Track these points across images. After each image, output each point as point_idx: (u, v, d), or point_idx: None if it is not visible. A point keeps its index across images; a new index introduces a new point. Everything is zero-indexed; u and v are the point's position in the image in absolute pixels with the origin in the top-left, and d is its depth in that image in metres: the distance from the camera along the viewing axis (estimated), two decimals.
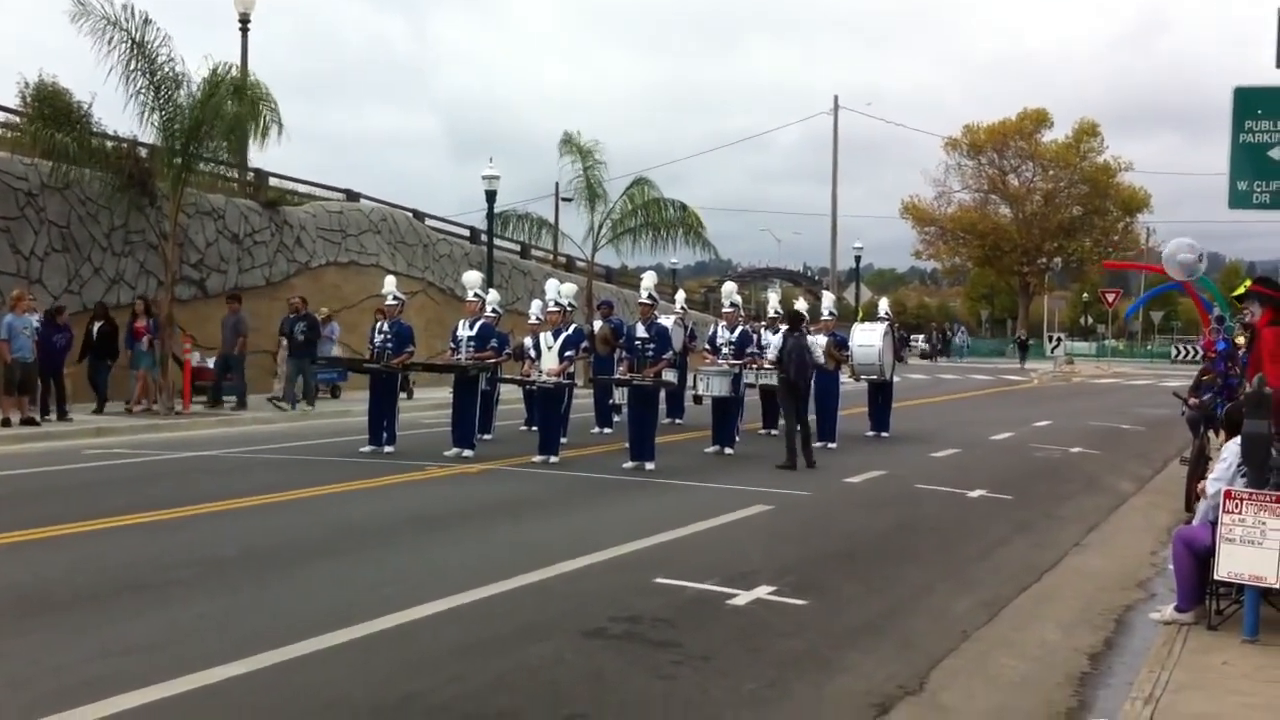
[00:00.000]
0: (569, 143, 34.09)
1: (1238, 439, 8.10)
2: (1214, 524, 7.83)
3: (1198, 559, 8.00)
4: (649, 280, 17.70)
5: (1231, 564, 7.65)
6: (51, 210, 22.23)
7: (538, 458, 15.86)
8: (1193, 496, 11.30)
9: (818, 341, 20.37)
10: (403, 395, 22.90)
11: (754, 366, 19.25)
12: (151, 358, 21.29)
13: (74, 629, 7.33)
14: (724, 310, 19.32)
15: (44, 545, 9.89)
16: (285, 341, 23.36)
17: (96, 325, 20.76)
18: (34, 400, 19.00)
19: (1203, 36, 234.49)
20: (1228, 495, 7.72)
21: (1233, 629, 7.79)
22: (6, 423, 18.23)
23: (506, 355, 18.21)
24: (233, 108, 21.29)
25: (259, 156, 27.03)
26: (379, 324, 17.59)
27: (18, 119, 22.98)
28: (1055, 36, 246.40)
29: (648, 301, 16.66)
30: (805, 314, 17.95)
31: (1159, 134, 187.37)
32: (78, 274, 22.67)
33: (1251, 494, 7.66)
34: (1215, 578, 7.80)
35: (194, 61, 21.28)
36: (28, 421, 18.48)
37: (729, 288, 20.40)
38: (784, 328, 17.61)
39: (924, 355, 67.58)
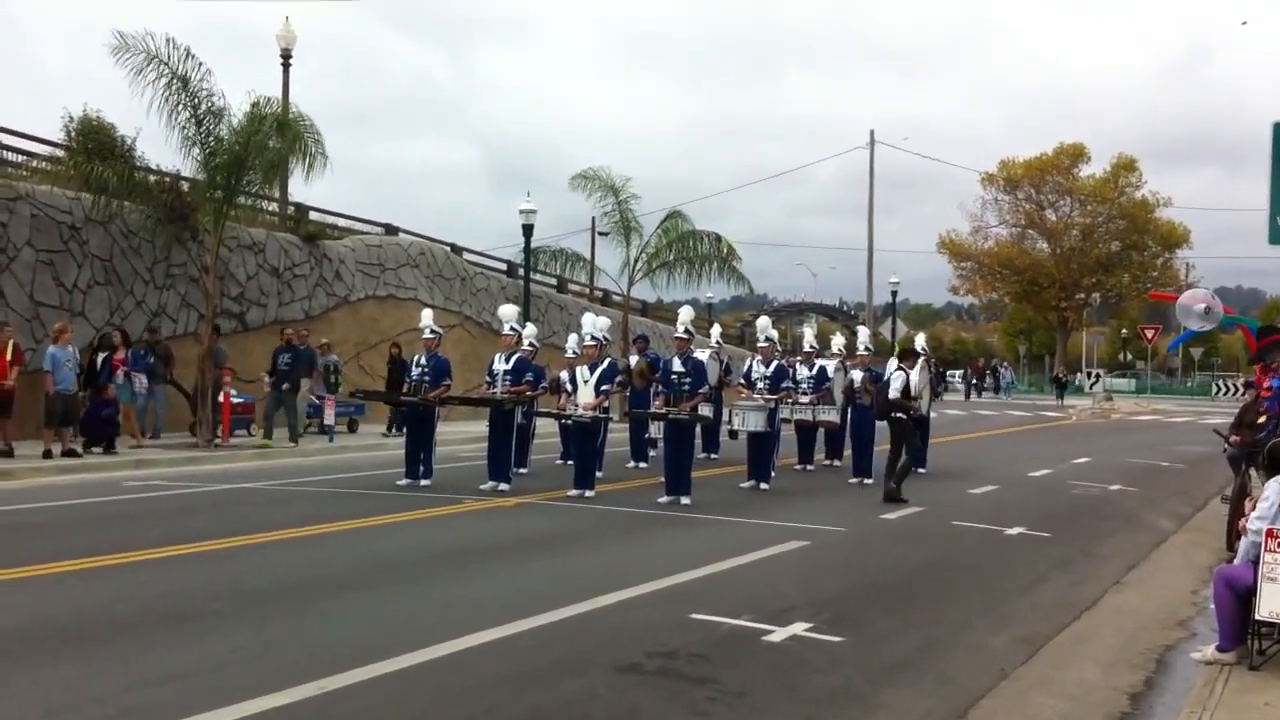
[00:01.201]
0: (588, 179, 34.09)
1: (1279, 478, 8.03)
2: (1256, 562, 7.75)
3: (1239, 598, 7.91)
4: (685, 314, 17.73)
5: (1273, 603, 7.56)
6: (94, 243, 22.51)
7: (573, 492, 15.87)
8: (1234, 535, 11.18)
9: (854, 376, 20.38)
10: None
11: (789, 401, 19.23)
12: (129, 390, 20.83)
13: (112, 659, 7.38)
14: (759, 345, 19.30)
15: (83, 575, 9.97)
16: (268, 377, 22.89)
17: (100, 356, 20.31)
18: (76, 432, 19.17)
19: (1248, 70, 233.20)
20: (1270, 534, 7.64)
21: (1275, 669, 7.69)
22: (48, 454, 18.40)
23: (542, 389, 18.24)
24: (275, 143, 21.48)
25: (300, 190, 27.33)
26: (416, 357, 17.65)
27: (62, 153, 23.30)
28: (1097, 69, 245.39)
29: (684, 336, 16.66)
30: (915, 350, 18.85)
31: (1203, 168, 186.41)
32: (120, 307, 22.92)
33: None
34: (1257, 617, 7.71)
35: (237, 95, 21.53)
36: (69, 453, 18.64)
37: (763, 322, 20.39)
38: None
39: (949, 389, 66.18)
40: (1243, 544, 8.28)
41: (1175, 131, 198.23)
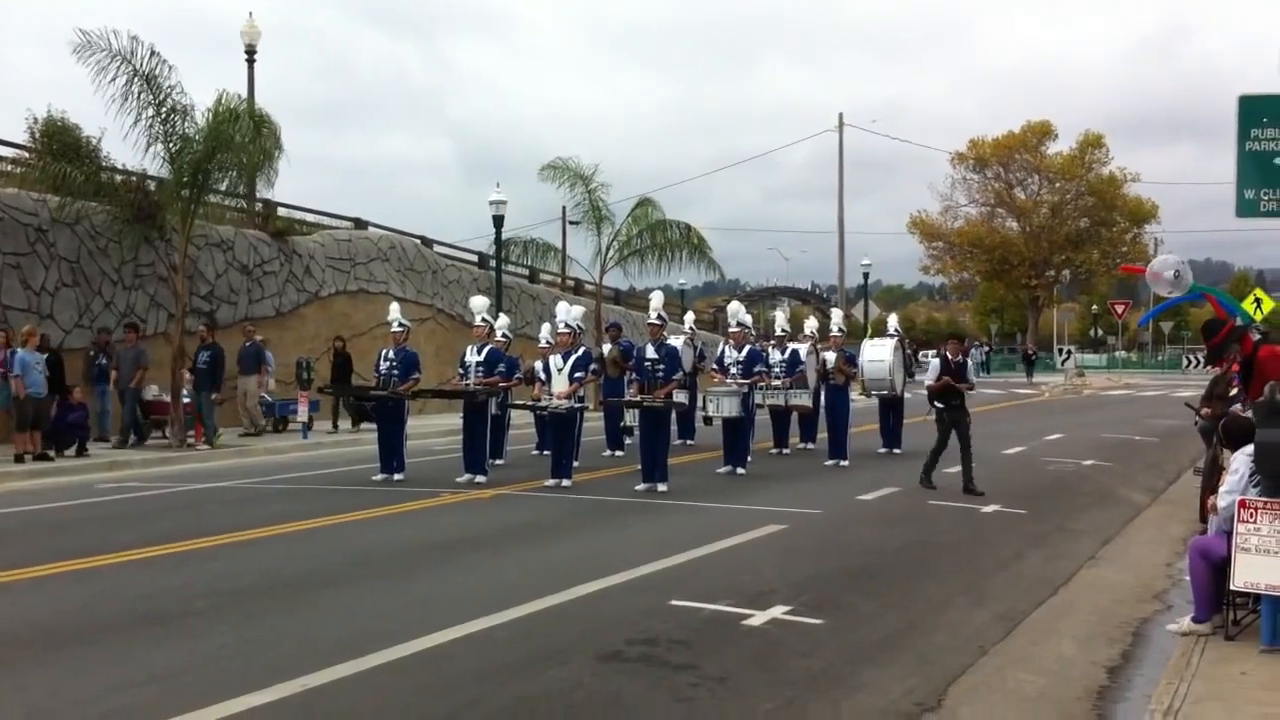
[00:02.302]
0: (556, 169, 33.90)
1: (1245, 451, 8.11)
2: (1229, 534, 7.84)
3: (1214, 569, 8.00)
4: (657, 300, 17.73)
5: (1248, 573, 7.64)
6: (61, 245, 22.34)
7: (550, 481, 15.87)
8: (1207, 507, 11.29)
9: (827, 357, 20.43)
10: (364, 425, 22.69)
11: (763, 385, 19.26)
12: (5, 393, 19.07)
13: (94, 661, 7.36)
14: (731, 330, 19.33)
15: (61, 579, 9.92)
16: (190, 375, 21.93)
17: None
18: (47, 435, 19.04)
19: (1225, 45, 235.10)
20: (1242, 504, 7.73)
21: (1250, 639, 7.77)
22: (20, 458, 18.28)
23: (516, 380, 18.21)
24: (242, 138, 21.29)
25: (269, 185, 27.05)
26: (384, 351, 17.48)
27: (26, 154, 23.09)
28: (1075, 48, 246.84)
29: (657, 322, 16.66)
30: (960, 335, 17.97)
31: (1179, 143, 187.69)
32: (88, 308, 22.77)
33: (1267, 503, 7.66)
34: (1232, 587, 7.80)
35: (207, 93, 21.39)
36: (41, 457, 18.53)
37: (734, 307, 20.41)
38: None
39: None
40: (1213, 521, 8.38)
41: (1154, 107, 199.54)
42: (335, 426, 25.46)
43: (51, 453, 18.89)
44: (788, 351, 20.62)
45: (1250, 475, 7.96)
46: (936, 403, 15.69)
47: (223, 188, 23.30)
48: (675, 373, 16.19)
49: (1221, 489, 8.26)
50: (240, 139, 21.25)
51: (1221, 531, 8.05)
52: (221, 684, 6.76)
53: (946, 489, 15.66)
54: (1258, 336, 10.80)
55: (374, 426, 23.89)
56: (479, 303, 18.01)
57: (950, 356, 15.92)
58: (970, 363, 16.05)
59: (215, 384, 22.08)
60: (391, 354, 17.12)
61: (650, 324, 16.88)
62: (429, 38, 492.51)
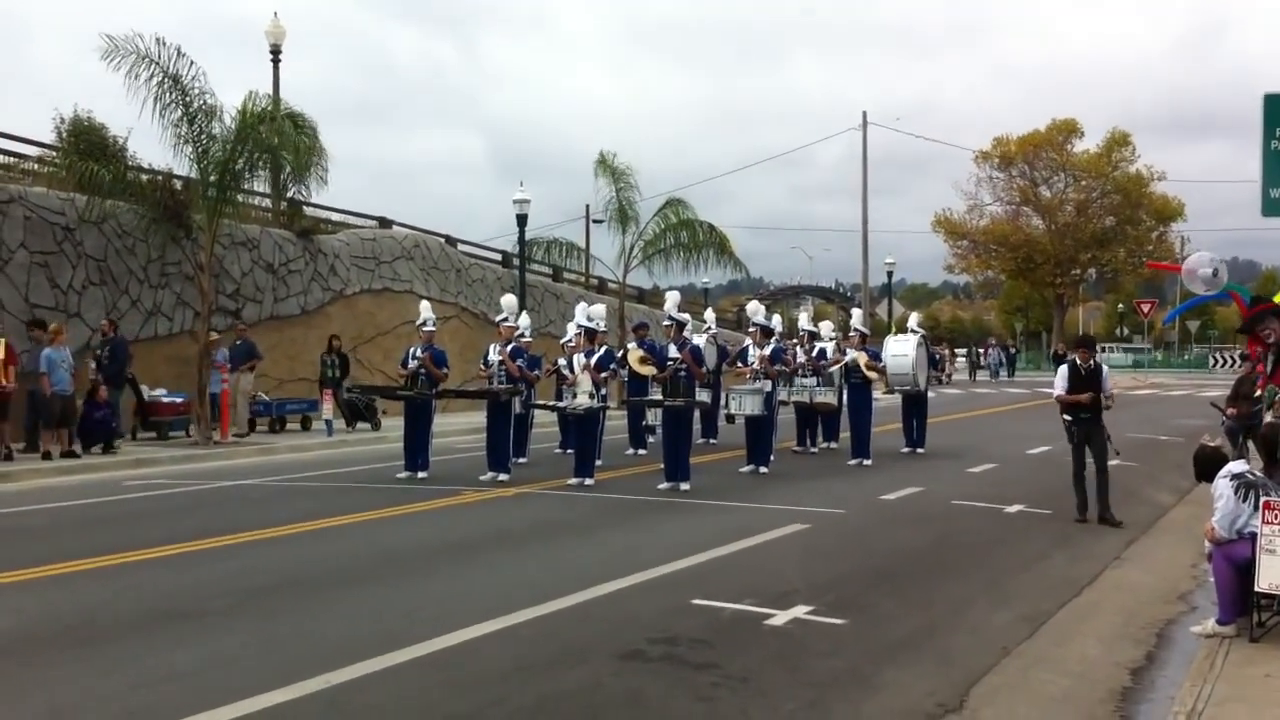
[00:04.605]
0: (604, 163, 34.13)
1: (1224, 474, 8.32)
2: (1254, 536, 7.81)
3: (1238, 571, 7.97)
4: (671, 301, 17.66)
5: (1272, 575, 7.61)
6: (89, 244, 22.48)
7: (573, 480, 15.89)
8: (1204, 531, 11.21)
9: (858, 357, 20.34)
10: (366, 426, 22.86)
11: (788, 384, 19.28)
12: None
13: (117, 658, 7.41)
14: (750, 329, 19.33)
15: (86, 576, 9.99)
16: (93, 365, 20.81)
17: None
18: (73, 433, 19.15)
19: (1260, 42, 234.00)
20: (1267, 506, 7.69)
21: (1275, 641, 7.74)
22: (47, 455, 18.41)
23: (536, 376, 18.20)
24: (285, 139, 21.34)
25: (323, 184, 26.81)
26: (412, 349, 17.54)
27: (54, 153, 23.23)
28: (1105, 44, 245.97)
29: (670, 323, 16.66)
30: (1091, 339, 15.64)
31: (1212, 140, 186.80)
32: (115, 306, 22.88)
33: None
34: (1256, 589, 7.76)
35: (234, 92, 21.45)
36: (68, 454, 18.65)
37: (754, 307, 20.40)
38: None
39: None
40: (1208, 547, 8.42)
41: (1187, 104, 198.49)
42: (351, 425, 25.32)
43: (78, 450, 18.99)
44: (815, 350, 20.64)
45: (1236, 492, 8.10)
46: (1065, 415, 14.26)
47: (255, 187, 23.33)
48: (701, 367, 16.21)
49: (1214, 518, 8.27)
50: (282, 140, 21.27)
51: (1247, 533, 8.02)
52: (244, 681, 6.80)
53: (970, 488, 15.63)
54: None
55: (368, 425, 24.34)
56: (509, 301, 18.02)
57: (1080, 363, 13.98)
58: (1106, 369, 14.09)
59: (117, 380, 20.86)
60: (419, 352, 17.20)
61: (666, 325, 16.87)
62: (461, 34, 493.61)
